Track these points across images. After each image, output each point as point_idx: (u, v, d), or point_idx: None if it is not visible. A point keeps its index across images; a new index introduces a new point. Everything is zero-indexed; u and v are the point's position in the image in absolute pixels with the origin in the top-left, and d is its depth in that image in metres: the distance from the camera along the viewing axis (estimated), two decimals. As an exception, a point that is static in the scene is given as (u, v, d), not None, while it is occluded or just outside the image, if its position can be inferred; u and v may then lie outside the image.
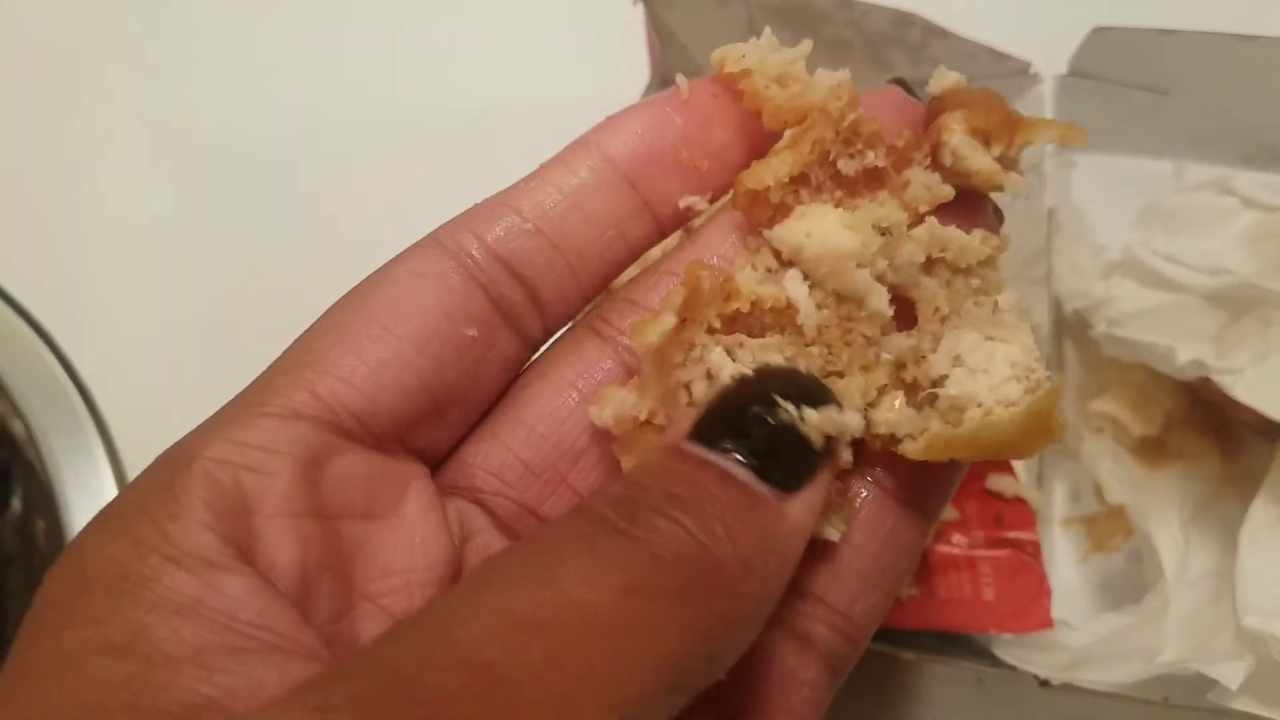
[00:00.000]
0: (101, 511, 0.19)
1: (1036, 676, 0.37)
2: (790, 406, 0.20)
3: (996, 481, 0.40)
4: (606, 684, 0.16)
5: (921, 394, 0.22)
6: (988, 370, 0.22)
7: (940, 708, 0.42)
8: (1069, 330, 0.46)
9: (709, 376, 0.22)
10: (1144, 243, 0.44)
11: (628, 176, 0.23)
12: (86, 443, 0.49)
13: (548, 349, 0.24)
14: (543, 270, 0.23)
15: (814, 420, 0.20)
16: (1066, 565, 0.44)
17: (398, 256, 0.23)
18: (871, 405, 0.22)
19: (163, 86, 0.60)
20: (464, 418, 0.23)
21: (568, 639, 0.16)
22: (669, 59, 0.50)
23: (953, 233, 0.23)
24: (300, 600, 0.19)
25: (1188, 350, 0.41)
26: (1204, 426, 0.45)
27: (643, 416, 0.22)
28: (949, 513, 0.40)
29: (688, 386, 0.22)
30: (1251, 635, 0.37)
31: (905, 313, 0.23)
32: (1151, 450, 0.44)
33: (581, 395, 0.23)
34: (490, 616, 0.16)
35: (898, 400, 0.22)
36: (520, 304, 0.23)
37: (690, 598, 0.17)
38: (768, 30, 0.25)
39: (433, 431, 0.22)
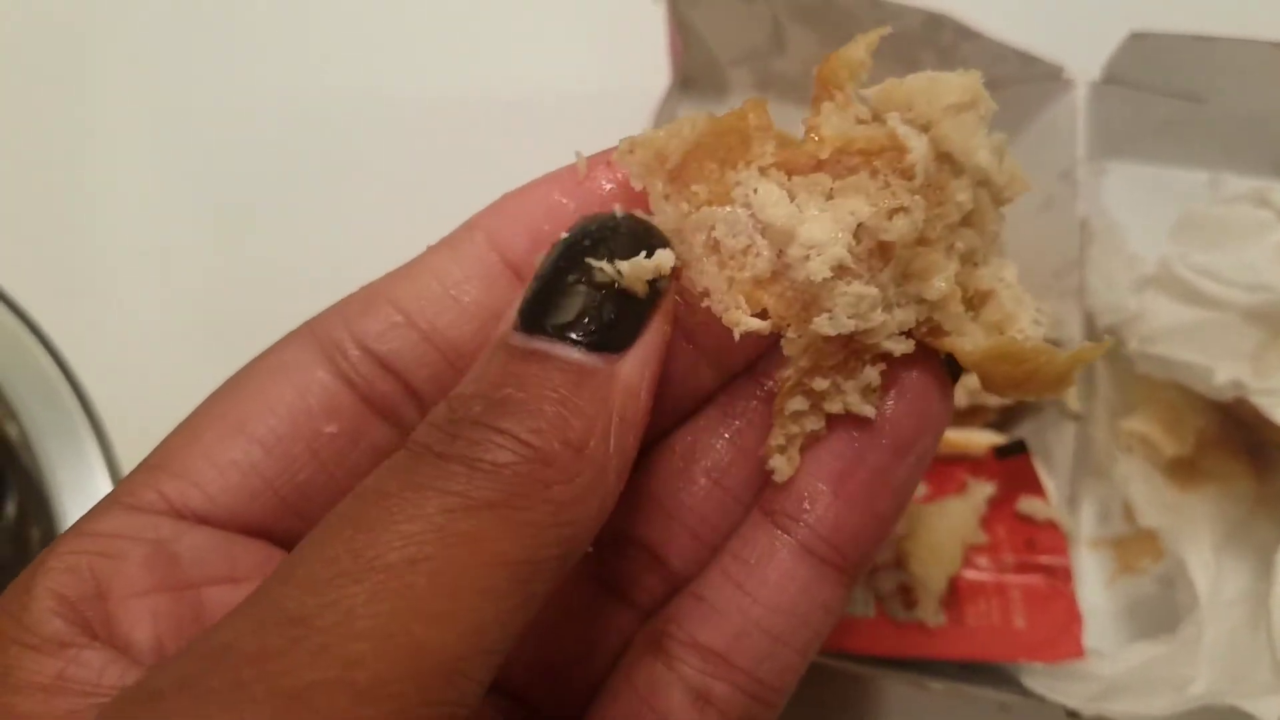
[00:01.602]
0: None
1: (1065, 707, 0.36)
2: (605, 264, 0.20)
3: (1028, 504, 0.39)
4: (441, 610, 0.16)
5: (973, 295, 0.21)
6: (1022, 303, 0.21)
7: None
8: (1101, 346, 0.44)
9: (739, 234, 0.21)
10: (1180, 257, 0.42)
11: (513, 265, 0.22)
12: (82, 448, 0.47)
13: None
14: (413, 363, 0.22)
15: (632, 272, 0.19)
16: (1094, 587, 0.43)
17: (272, 346, 0.22)
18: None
19: (162, 84, 0.59)
20: (326, 510, 0.23)
21: (390, 577, 0.16)
22: (691, 58, 0.48)
23: (1009, 157, 0.21)
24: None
25: (1226, 370, 0.39)
26: (1236, 446, 0.44)
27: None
28: (977, 536, 0.38)
29: (711, 236, 0.21)
30: (1290, 668, 0.36)
31: None
32: (1183, 471, 0.43)
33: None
34: (309, 569, 0.17)
35: (955, 290, 0.21)
36: (394, 396, 0.22)
37: (519, 498, 0.17)
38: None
39: (287, 525, 0.22)
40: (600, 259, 0.20)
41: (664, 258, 0.20)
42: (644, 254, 0.20)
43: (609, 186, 0.22)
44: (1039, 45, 0.46)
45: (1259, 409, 0.39)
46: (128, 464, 0.47)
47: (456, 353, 0.22)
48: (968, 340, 0.20)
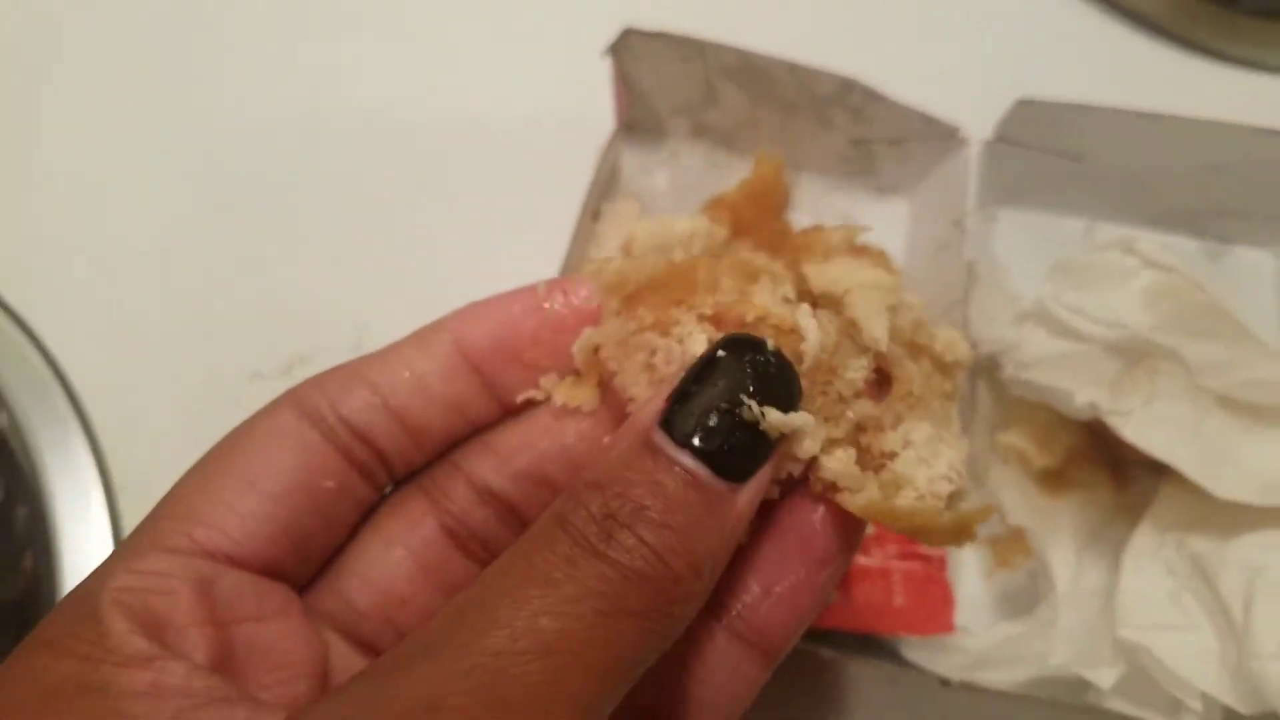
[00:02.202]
0: (32, 638, 0.22)
1: (939, 676, 0.42)
2: (754, 405, 0.22)
3: (911, 502, 0.45)
4: (579, 695, 0.19)
5: (871, 459, 0.25)
6: (930, 464, 0.25)
7: (856, 705, 0.46)
8: (982, 371, 0.50)
9: (681, 355, 0.24)
10: (1054, 296, 0.48)
11: (474, 365, 0.25)
12: (68, 434, 0.51)
13: (385, 500, 0.27)
14: (386, 439, 0.25)
15: (774, 420, 0.22)
16: (973, 579, 0.48)
17: (257, 414, 0.25)
18: (825, 452, 0.24)
19: (148, 89, 0.63)
20: (321, 553, 0.26)
21: (556, 661, 0.19)
22: (635, 107, 0.54)
23: (945, 329, 0.26)
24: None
25: (1084, 393, 0.45)
26: (1100, 461, 0.50)
27: (602, 355, 0.24)
28: (866, 530, 0.44)
29: (651, 356, 0.24)
30: (1125, 645, 0.41)
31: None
32: (1052, 480, 0.49)
33: (405, 550, 0.26)
34: (493, 641, 0.19)
35: (849, 455, 0.24)
36: (368, 461, 0.25)
37: (650, 609, 0.20)
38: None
39: (294, 564, 0.25)
40: (752, 398, 0.22)
41: (805, 423, 0.22)
42: (790, 412, 0.22)
43: (563, 310, 0.25)
44: (938, 108, 0.52)
45: (1111, 426, 0.45)
46: (109, 449, 0.51)
47: (419, 432, 0.26)
48: (860, 497, 0.24)
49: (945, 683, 0.42)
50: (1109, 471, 0.50)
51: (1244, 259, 0.57)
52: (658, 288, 0.24)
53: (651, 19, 0.51)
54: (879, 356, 0.25)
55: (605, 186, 0.52)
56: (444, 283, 0.55)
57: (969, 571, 0.48)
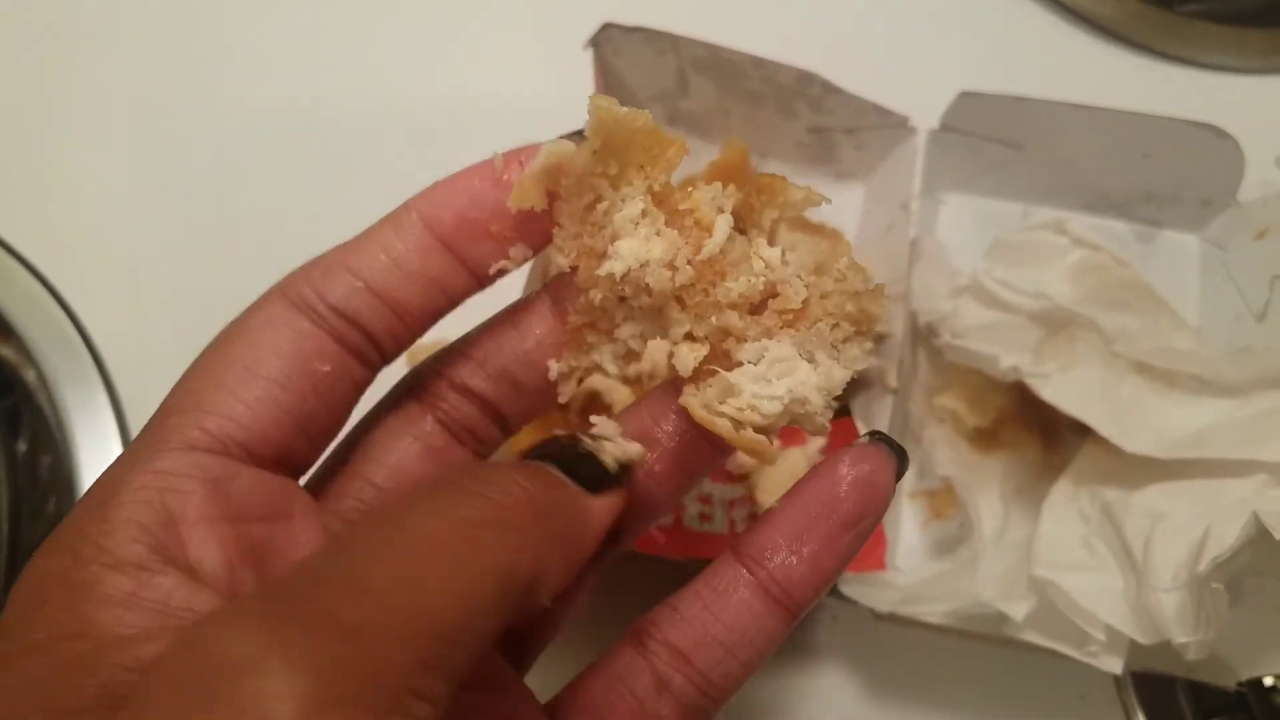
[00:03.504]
0: (49, 536, 0.23)
1: (873, 610, 0.47)
2: (589, 441, 0.26)
3: (851, 454, 0.50)
4: (449, 584, 0.20)
5: (728, 366, 0.26)
6: (770, 382, 0.26)
7: (802, 640, 0.52)
8: (921, 338, 0.55)
9: (609, 215, 0.26)
10: (986, 271, 0.53)
11: (444, 241, 0.27)
12: (90, 390, 0.56)
13: (384, 401, 0.30)
14: (373, 320, 0.26)
15: (609, 449, 0.26)
16: (910, 529, 0.53)
17: (251, 306, 0.26)
18: (685, 345, 0.27)
19: (165, 68, 0.67)
20: (323, 436, 0.27)
21: (420, 555, 0.21)
22: (614, 95, 0.59)
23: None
24: (228, 587, 0.24)
25: (1009, 358, 0.50)
26: (1030, 422, 0.55)
27: (560, 174, 0.26)
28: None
29: (595, 203, 0.26)
30: (1038, 582, 0.46)
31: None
32: (984, 439, 0.54)
33: (411, 437, 0.29)
34: (362, 546, 0.21)
35: (698, 351, 0.26)
36: (360, 343, 0.27)
37: (515, 527, 0.22)
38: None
39: (302, 448, 0.27)
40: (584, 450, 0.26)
41: (634, 449, 0.27)
42: (621, 443, 0.26)
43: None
44: (890, 100, 0.56)
45: (1031, 387, 0.50)
46: (128, 403, 0.56)
47: (404, 310, 0.27)
48: (686, 394, 0.26)
49: (878, 615, 0.47)
50: (1039, 433, 0.55)
51: (1171, 242, 0.61)
52: (636, 142, 0.26)
53: (629, 15, 0.56)
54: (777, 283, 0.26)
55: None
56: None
57: (908, 522, 0.54)
